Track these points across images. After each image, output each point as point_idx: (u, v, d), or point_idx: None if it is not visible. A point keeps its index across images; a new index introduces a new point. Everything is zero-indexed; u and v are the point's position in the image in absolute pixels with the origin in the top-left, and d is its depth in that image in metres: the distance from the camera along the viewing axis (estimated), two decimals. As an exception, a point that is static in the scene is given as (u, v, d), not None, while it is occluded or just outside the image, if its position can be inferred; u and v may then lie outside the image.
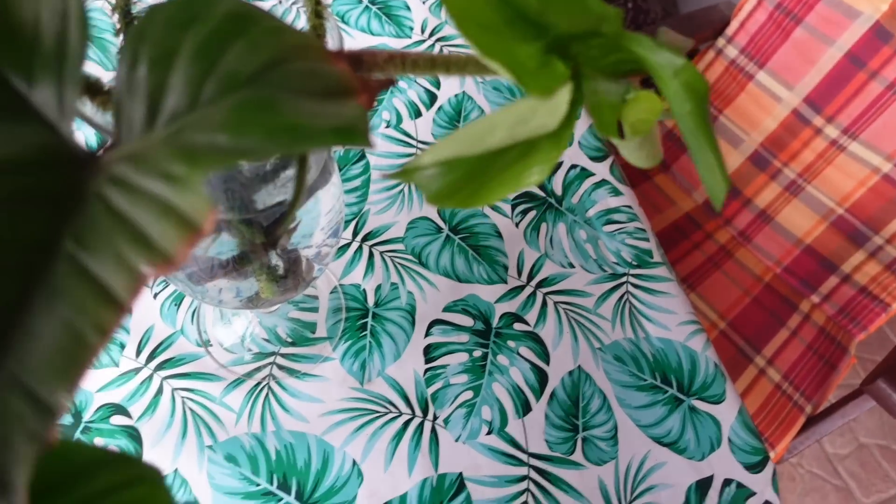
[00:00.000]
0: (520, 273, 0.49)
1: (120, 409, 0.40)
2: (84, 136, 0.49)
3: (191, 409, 0.40)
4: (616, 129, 0.20)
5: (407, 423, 0.42)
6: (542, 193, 0.53)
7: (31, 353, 0.14)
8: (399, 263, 0.48)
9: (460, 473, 0.40)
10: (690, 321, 0.49)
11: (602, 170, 0.56)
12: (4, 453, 0.14)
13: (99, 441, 0.39)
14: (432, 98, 0.57)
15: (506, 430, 0.42)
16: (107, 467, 0.15)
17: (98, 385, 0.40)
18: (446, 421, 0.42)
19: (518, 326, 0.46)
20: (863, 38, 0.71)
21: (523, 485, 0.41)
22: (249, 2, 0.20)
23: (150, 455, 0.39)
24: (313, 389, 0.42)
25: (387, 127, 0.55)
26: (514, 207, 0.52)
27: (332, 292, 0.46)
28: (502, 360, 0.45)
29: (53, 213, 0.16)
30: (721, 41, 0.82)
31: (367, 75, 0.22)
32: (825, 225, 0.78)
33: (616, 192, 0.54)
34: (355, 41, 0.60)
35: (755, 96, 0.80)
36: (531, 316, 0.47)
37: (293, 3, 0.36)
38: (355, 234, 0.48)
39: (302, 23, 0.38)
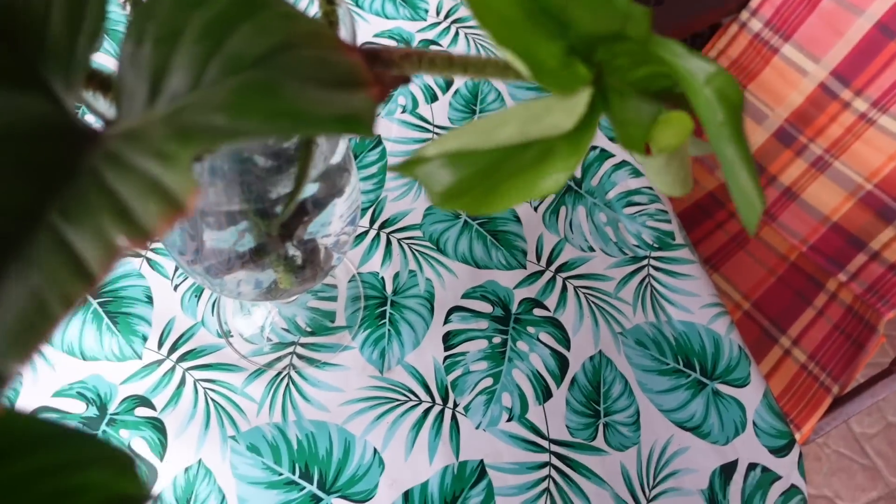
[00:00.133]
0: (539, 258, 0.48)
1: (144, 401, 0.40)
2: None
3: (213, 400, 0.41)
4: (642, 147, 0.19)
5: (427, 411, 0.42)
6: (560, 176, 0.53)
7: None
8: (417, 251, 0.47)
9: (481, 460, 0.40)
10: (714, 304, 0.48)
11: (622, 151, 0.55)
12: None
13: (125, 433, 0.39)
14: (448, 81, 0.56)
15: (526, 416, 0.42)
16: (59, 444, 0.14)
17: (122, 377, 0.41)
18: (466, 408, 0.42)
19: (538, 312, 0.46)
20: (894, 6, 0.68)
21: (545, 471, 0.40)
22: None
23: (175, 446, 0.39)
24: (333, 378, 0.42)
25: (402, 112, 0.54)
26: (531, 191, 0.52)
27: (350, 281, 0.46)
28: (522, 346, 0.45)
29: (44, 184, 0.16)
30: (745, 14, 0.80)
31: (382, 71, 0.22)
32: (853, 201, 0.75)
33: (636, 174, 0.53)
34: (370, 25, 0.59)
35: (780, 70, 0.78)
36: (551, 301, 0.46)
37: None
38: (372, 221, 0.48)
39: (315, 9, 0.38)
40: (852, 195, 0.75)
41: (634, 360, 0.45)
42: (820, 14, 0.74)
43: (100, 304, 0.43)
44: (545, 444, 0.41)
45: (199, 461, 0.39)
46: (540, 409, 0.43)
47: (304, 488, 0.39)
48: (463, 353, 0.44)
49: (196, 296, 0.44)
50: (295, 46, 0.19)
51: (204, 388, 0.41)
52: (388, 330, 0.44)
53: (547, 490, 0.40)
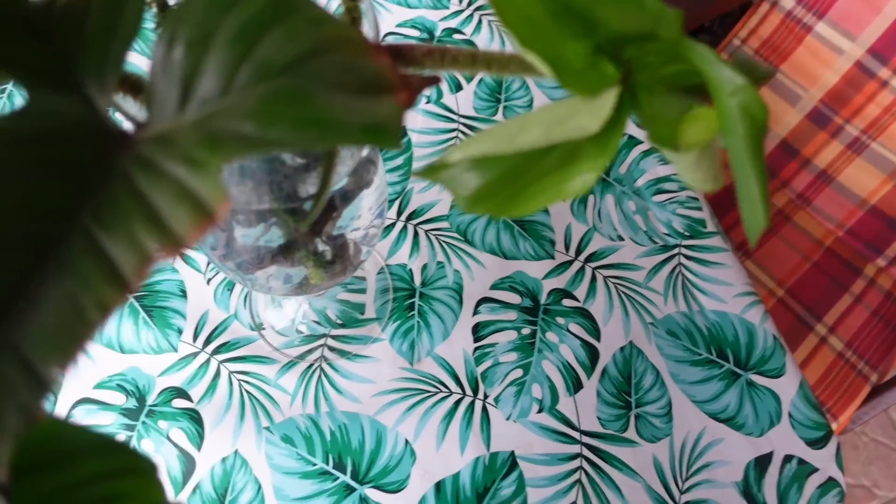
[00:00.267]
0: (567, 248, 0.48)
1: (181, 393, 0.41)
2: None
3: (247, 392, 0.41)
4: (672, 143, 0.19)
5: (458, 403, 0.42)
6: (588, 165, 0.52)
7: (32, 324, 0.15)
8: (444, 242, 0.47)
9: (512, 452, 0.40)
10: (747, 293, 0.47)
11: (651, 137, 0.54)
12: None
13: (163, 424, 0.40)
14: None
15: (557, 407, 0.42)
16: (97, 454, 0.15)
17: (159, 369, 0.42)
18: (497, 399, 0.42)
19: (567, 302, 0.46)
20: (936, -20, 0.65)
21: (576, 463, 0.40)
22: None
23: (212, 437, 0.40)
24: (364, 370, 0.43)
25: (427, 102, 0.54)
26: (559, 180, 0.51)
27: (378, 273, 0.46)
28: (552, 337, 0.44)
29: (77, 187, 0.17)
30: (776, -8, 0.77)
31: (410, 72, 0.21)
32: (892, 184, 0.73)
33: (665, 161, 0.52)
34: (393, 15, 0.59)
35: (814, 49, 0.75)
36: (580, 291, 0.46)
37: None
38: (399, 213, 0.48)
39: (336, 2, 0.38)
40: (891, 177, 0.73)
41: (666, 351, 0.44)
42: (857, -10, 0.71)
43: (136, 298, 0.44)
44: (576, 435, 0.41)
45: (236, 451, 0.40)
46: (571, 400, 0.42)
47: (337, 478, 0.39)
48: (492, 345, 0.44)
49: (228, 289, 0.45)
50: (323, 52, 0.19)
51: (238, 380, 0.42)
52: (418, 321, 0.44)
53: (578, 482, 0.40)
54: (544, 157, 0.20)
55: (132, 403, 0.41)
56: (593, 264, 0.47)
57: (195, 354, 0.42)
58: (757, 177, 0.15)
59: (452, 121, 0.53)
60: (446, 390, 0.42)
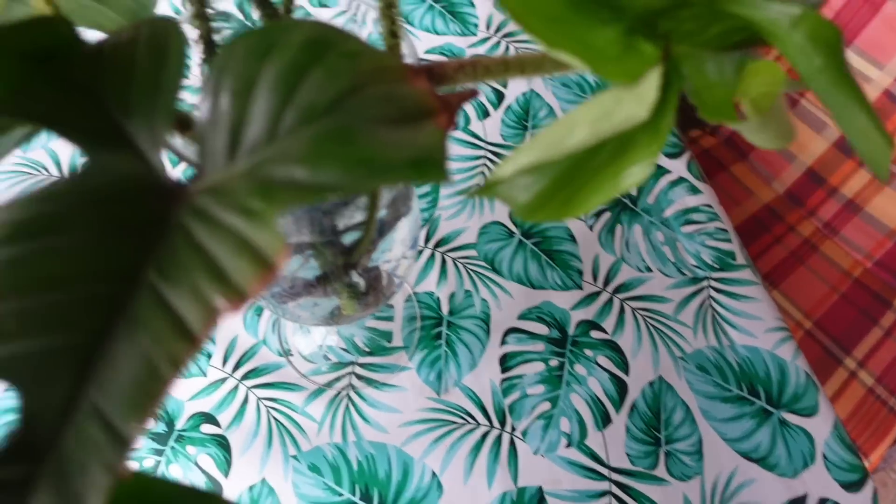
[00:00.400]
0: (595, 278, 0.48)
1: (209, 418, 0.41)
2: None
3: (275, 419, 0.41)
4: (731, 110, 0.17)
5: (485, 435, 0.41)
6: (616, 195, 0.52)
7: (110, 382, 0.15)
8: (472, 270, 0.47)
9: (540, 487, 0.40)
10: (779, 328, 0.46)
11: (679, 167, 0.54)
12: (82, 480, 0.14)
13: (192, 450, 0.40)
14: (500, 97, 0.56)
15: (585, 442, 0.42)
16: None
17: (189, 394, 0.42)
18: (524, 433, 0.42)
19: (595, 334, 0.45)
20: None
21: (605, 500, 0.40)
22: (327, 23, 0.20)
23: (240, 463, 0.40)
24: (391, 399, 0.42)
25: (455, 129, 0.54)
26: (587, 210, 0.51)
27: (406, 301, 0.46)
28: (580, 369, 0.44)
29: (139, 243, 0.17)
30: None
31: (446, 92, 0.21)
32: (922, 215, 0.72)
33: (694, 191, 0.52)
34: (420, 42, 0.59)
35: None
36: (608, 323, 0.46)
37: (361, 11, 0.36)
38: (427, 240, 0.48)
39: (369, 28, 0.38)
40: (921, 208, 0.72)
41: (696, 387, 0.44)
42: (883, 17, 0.71)
43: (166, 322, 0.44)
44: (605, 471, 0.41)
45: (263, 479, 0.40)
46: (599, 434, 0.42)
47: (363, 510, 0.39)
48: (520, 376, 0.44)
49: (257, 314, 0.45)
50: (363, 86, 0.19)
51: (266, 407, 0.42)
52: (445, 351, 0.44)
53: (607, 519, 0.39)
54: (596, 154, 0.20)
55: (161, 428, 0.41)
56: (621, 295, 0.47)
57: (224, 379, 0.43)
58: (858, 103, 0.13)
59: (480, 147, 0.53)
60: (473, 422, 0.42)
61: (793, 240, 0.77)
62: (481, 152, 0.53)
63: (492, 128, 0.55)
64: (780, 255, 0.76)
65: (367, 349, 0.45)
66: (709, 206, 0.52)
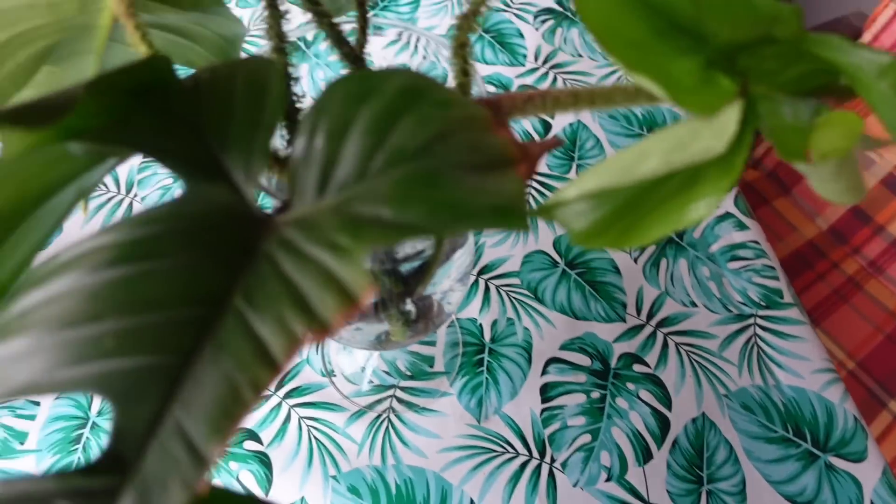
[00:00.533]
0: (639, 311, 0.47)
1: (252, 435, 0.42)
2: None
3: (316, 439, 0.42)
4: (803, 154, 0.17)
5: (524, 465, 0.41)
6: (661, 227, 0.52)
7: (194, 402, 0.15)
8: (515, 298, 0.47)
9: (580, 521, 0.40)
10: (826, 369, 0.45)
11: (726, 201, 0.53)
12: (162, 495, 0.15)
13: (234, 465, 0.41)
14: (547, 127, 0.57)
15: (626, 477, 0.41)
16: None
17: (233, 410, 0.43)
18: (564, 464, 0.41)
19: (637, 368, 0.45)
20: None
21: (646, 538, 0.39)
22: (420, 72, 0.20)
23: (280, 481, 0.40)
24: (431, 424, 0.43)
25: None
26: (632, 242, 0.51)
27: (449, 326, 0.46)
28: (621, 403, 0.44)
29: (229, 270, 0.18)
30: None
31: (530, 145, 0.22)
32: (973, 257, 0.70)
33: (741, 226, 0.52)
34: (468, 70, 0.60)
35: None
36: (651, 357, 0.45)
37: (413, 39, 0.37)
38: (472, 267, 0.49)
39: (422, 60, 0.39)
40: (972, 251, 0.70)
41: (740, 426, 0.43)
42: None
43: (214, 337, 0.45)
44: (646, 508, 0.40)
45: (302, 499, 0.40)
46: (640, 470, 0.41)
47: (401, 535, 0.39)
48: (560, 407, 0.43)
49: (302, 334, 0.46)
50: (451, 134, 0.19)
51: (308, 426, 0.42)
52: (486, 378, 0.44)
53: (647, 557, 0.39)
54: (663, 185, 0.19)
55: (205, 442, 0.42)
56: (665, 330, 0.47)
57: (267, 397, 0.43)
58: None
59: (525, 176, 0.54)
60: (513, 451, 0.42)
61: (836, 277, 0.76)
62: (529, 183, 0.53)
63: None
64: (823, 293, 0.74)
65: (408, 373, 0.45)
66: (756, 242, 0.51)
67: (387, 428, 0.42)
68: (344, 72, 0.30)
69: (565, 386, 0.44)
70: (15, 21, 0.27)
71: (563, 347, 0.46)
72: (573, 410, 0.43)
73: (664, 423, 0.43)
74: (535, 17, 0.63)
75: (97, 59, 0.30)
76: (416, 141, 0.19)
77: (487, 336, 0.46)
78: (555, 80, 0.60)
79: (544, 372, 0.45)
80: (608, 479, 0.41)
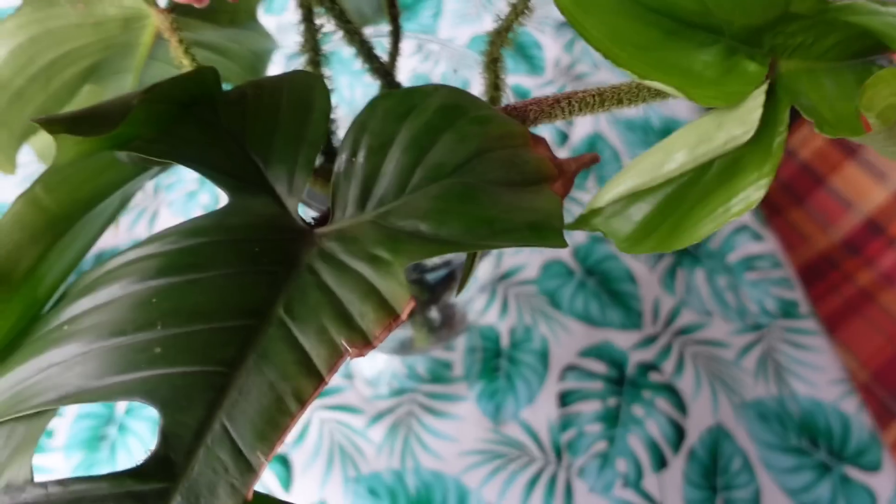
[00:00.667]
0: (655, 320, 0.48)
1: (274, 436, 0.43)
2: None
3: (336, 440, 0.43)
4: (857, 124, 0.16)
5: (541, 470, 0.42)
6: (677, 237, 0.52)
7: (240, 410, 0.16)
8: (533, 305, 0.48)
9: (596, 527, 0.40)
10: (842, 380, 0.46)
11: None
12: (211, 501, 0.15)
13: (257, 465, 0.41)
14: (564, 138, 0.57)
15: (642, 484, 0.42)
16: None
17: (255, 411, 0.43)
18: (581, 470, 0.42)
19: (653, 376, 0.46)
20: None
21: (662, 544, 0.40)
22: (461, 89, 0.21)
23: (300, 482, 0.41)
24: (450, 428, 0.43)
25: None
26: (648, 251, 0.51)
27: (468, 332, 0.47)
28: (637, 410, 0.44)
29: (271, 281, 0.18)
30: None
31: (566, 162, 0.22)
32: None
33: (758, 237, 0.52)
34: (487, 79, 0.61)
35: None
36: (667, 366, 0.46)
37: (445, 56, 0.38)
38: (489, 274, 0.49)
39: (445, 70, 0.40)
40: None
41: (756, 435, 0.44)
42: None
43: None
44: (662, 515, 0.41)
45: (322, 500, 0.41)
46: (655, 477, 0.42)
47: (420, 537, 0.40)
48: (577, 413, 0.44)
49: (323, 337, 0.47)
50: (489, 150, 0.20)
51: (329, 428, 0.43)
52: (504, 383, 0.45)
53: (663, 564, 0.39)
54: (700, 178, 0.18)
55: (228, 442, 0.42)
56: (681, 339, 0.47)
57: (289, 399, 0.44)
58: None
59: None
60: (530, 456, 0.42)
61: (848, 288, 0.76)
62: (543, 188, 0.54)
63: (554, 165, 0.56)
64: (835, 304, 0.74)
65: (428, 377, 0.46)
66: (772, 253, 0.52)
67: (406, 431, 0.43)
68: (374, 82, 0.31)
69: (582, 393, 0.45)
70: (62, 40, 0.28)
71: (580, 354, 0.46)
72: (589, 417, 0.44)
73: (680, 432, 0.44)
74: (555, 29, 0.64)
75: (136, 76, 0.31)
76: (454, 158, 0.19)
77: (505, 342, 0.46)
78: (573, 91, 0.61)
79: (561, 378, 0.45)
80: (624, 486, 0.42)
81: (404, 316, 0.17)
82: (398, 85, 0.32)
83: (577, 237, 0.51)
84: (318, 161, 0.28)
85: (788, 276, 0.50)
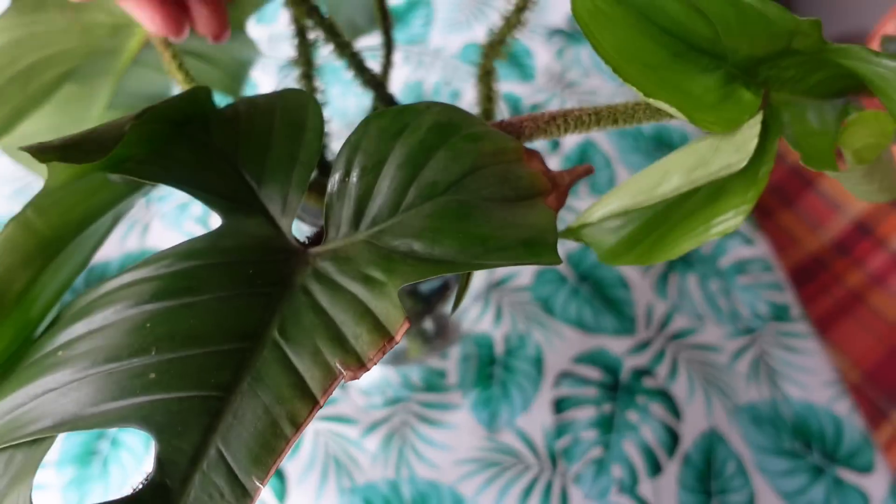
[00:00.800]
0: (648, 325, 0.48)
1: (269, 448, 0.42)
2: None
3: (331, 451, 0.42)
4: (832, 159, 0.17)
5: (537, 477, 0.42)
6: (669, 242, 0.52)
7: (235, 435, 0.16)
8: (527, 312, 0.48)
9: (593, 534, 0.40)
10: (834, 382, 0.46)
11: (731, 217, 0.54)
12: None
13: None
14: (555, 144, 0.57)
15: (637, 490, 0.42)
16: None
17: (249, 423, 0.43)
18: (576, 477, 0.42)
19: (647, 382, 0.46)
20: None
21: (658, 550, 0.40)
22: (456, 106, 0.21)
23: (295, 493, 0.41)
24: (445, 437, 0.43)
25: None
26: (640, 257, 0.52)
27: (462, 340, 0.47)
28: (632, 416, 0.44)
29: (265, 302, 0.18)
30: None
31: (560, 175, 0.22)
32: (974, 270, 0.71)
33: (749, 242, 0.53)
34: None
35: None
36: (661, 371, 0.46)
37: (426, 61, 0.38)
38: (482, 281, 0.49)
39: (436, 79, 0.40)
40: (973, 264, 0.71)
41: (749, 439, 0.44)
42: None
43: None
44: (658, 521, 0.41)
45: (319, 511, 0.41)
46: (650, 483, 0.42)
47: (417, 547, 0.39)
48: (571, 420, 0.44)
49: (317, 347, 0.46)
50: (482, 167, 0.20)
51: (323, 439, 0.43)
52: (498, 391, 0.45)
53: (659, 570, 0.39)
54: (687, 200, 0.19)
55: (223, 455, 0.42)
56: (674, 344, 0.47)
57: (284, 410, 0.44)
58: None
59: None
60: (525, 463, 0.42)
61: (838, 290, 0.76)
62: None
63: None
64: (826, 305, 0.75)
65: (422, 386, 0.46)
66: (764, 257, 0.52)
67: (401, 440, 0.43)
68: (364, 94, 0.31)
69: (576, 399, 0.45)
70: (46, 44, 0.28)
71: (574, 361, 0.46)
72: (584, 423, 0.44)
73: (674, 437, 0.44)
74: (546, 37, 0.64)
75: (115, 80, 0.30)
76: (448, 175, 0.19)
77: (499, 350, 0.47)
78: (564, 100, 0.61)
79: (555, 385, 0.45)
80: (619, 492, 0.42)
81: (398, 338, 0.16)
82: (390, 96, 0.32)
83: (570, 244, 0.51)
84: (312, 175, 0.28)
85: (779, 279, 0.51)
